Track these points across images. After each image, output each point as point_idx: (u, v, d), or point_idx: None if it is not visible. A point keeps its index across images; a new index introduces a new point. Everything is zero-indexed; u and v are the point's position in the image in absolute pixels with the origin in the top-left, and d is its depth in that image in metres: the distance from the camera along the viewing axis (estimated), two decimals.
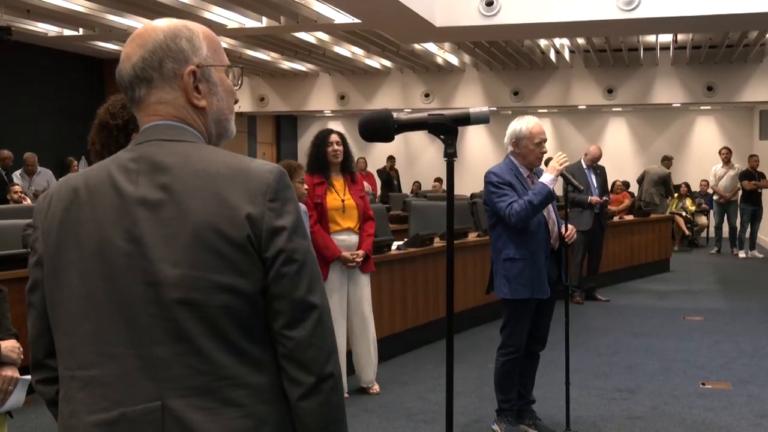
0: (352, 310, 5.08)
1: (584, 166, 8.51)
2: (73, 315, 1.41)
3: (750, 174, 13.06)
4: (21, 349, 2.79)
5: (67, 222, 1.42)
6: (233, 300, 1.37)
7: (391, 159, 16.54)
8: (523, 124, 4.20)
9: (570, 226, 4.28)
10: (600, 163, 8.68)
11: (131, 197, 1.39)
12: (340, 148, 4.95)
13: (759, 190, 13.07)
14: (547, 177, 4.12)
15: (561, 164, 4.14)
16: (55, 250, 1.43)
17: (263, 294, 1.39)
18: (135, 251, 1.37)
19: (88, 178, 1.44)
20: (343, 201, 4.96)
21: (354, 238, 5.01)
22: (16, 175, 10.34)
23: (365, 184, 5.96)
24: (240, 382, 1.38)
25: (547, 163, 4.24)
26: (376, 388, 5.30)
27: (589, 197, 8.31)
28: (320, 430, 1.43)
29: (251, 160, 1.44)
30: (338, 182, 5.01)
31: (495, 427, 4.46)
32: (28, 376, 2.72)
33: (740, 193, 13.27)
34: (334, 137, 4.97)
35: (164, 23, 1.49)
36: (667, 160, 14.14)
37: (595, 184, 8.49)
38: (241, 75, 1.60)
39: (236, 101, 1.58)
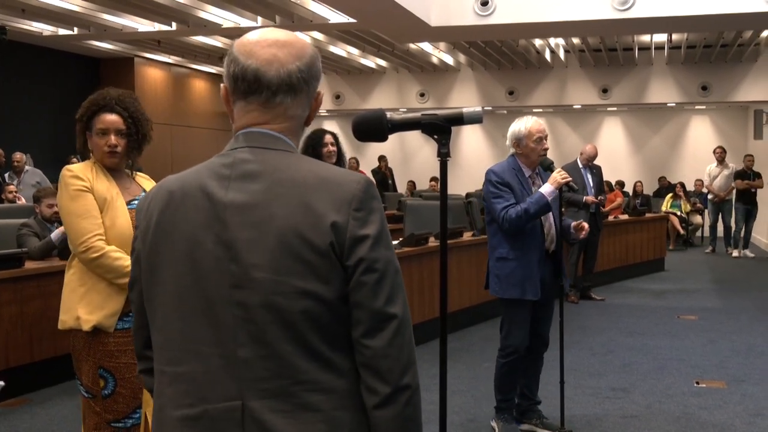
0: None
1: (580, 166, 8.51)
2: (165, 312, 1.47)
3: (745, 173, 13.10)
4: None
5: (163, 223, 1.47)
6: (314, 306, 1.38)
7: (383, 159, 16.53)
8: (521, 124, 4.23)
9: (583, 223, 4.31)
10: (595, 162, 8.69)
11: (221, 202, 1.43)
12: (334, 148, 4.98)
13: (753, 190, 13.11)
14: (547, 188, 4.12)
15: (563, 178, 4.14)
16: (151, 250, 1.49)
17: (345, 302, 1.40)
18: (224, 254, 1.41)
19: (183, 181, 1.49)
20: None
21: None
22: (5, 177, 10.31)
23: None
24: (318, 387, 1.39)
25: (544, 165, 4.24)
26: None
27: (585, 197, 8.31)
28: None
29: (339, 169, 1.47)
30: None
31: (493, 423, 4.50)
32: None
33: (734, 192, 13.31)
34: (328, 138, 5.00)
35: (304, 40, 1.53)
36: None
37: (591, 184, 8.50)
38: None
39: None
